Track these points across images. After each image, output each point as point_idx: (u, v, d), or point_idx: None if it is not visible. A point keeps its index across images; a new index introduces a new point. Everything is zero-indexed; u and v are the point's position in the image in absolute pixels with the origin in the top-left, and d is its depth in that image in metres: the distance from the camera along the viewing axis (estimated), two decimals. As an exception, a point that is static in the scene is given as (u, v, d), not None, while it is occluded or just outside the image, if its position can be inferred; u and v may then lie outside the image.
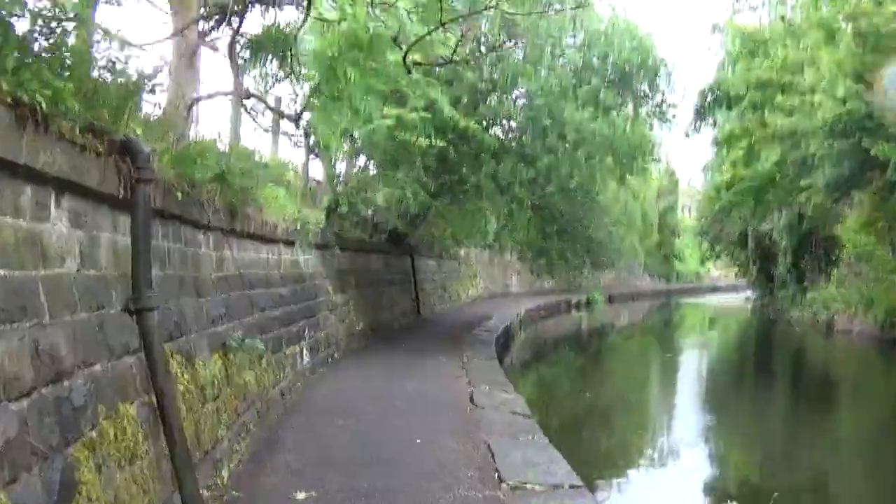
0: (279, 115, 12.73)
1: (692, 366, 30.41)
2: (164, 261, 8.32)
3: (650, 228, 75.13)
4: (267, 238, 14.02)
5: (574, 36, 24.43)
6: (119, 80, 6.91)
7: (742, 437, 17.73)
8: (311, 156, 20.57)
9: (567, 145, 22.25)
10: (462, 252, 42.32)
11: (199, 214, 9.74)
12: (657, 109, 25.95)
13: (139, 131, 7.51)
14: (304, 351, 15.74)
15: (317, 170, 22.26)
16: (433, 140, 18.65)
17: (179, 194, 8.51)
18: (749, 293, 60.58)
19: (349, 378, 16.07)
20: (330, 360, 17.94)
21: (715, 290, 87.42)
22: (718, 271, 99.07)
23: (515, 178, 21.63)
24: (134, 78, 7.33)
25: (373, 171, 22.52)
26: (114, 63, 6.86)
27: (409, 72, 13.21)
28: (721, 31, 30.19)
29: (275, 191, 14.59)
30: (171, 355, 7.88)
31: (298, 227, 14.38)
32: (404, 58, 12.13)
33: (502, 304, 42.02)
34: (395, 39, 11.37)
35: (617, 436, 17.57)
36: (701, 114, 29.61)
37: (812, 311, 39.16)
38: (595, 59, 23.89)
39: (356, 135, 18.47)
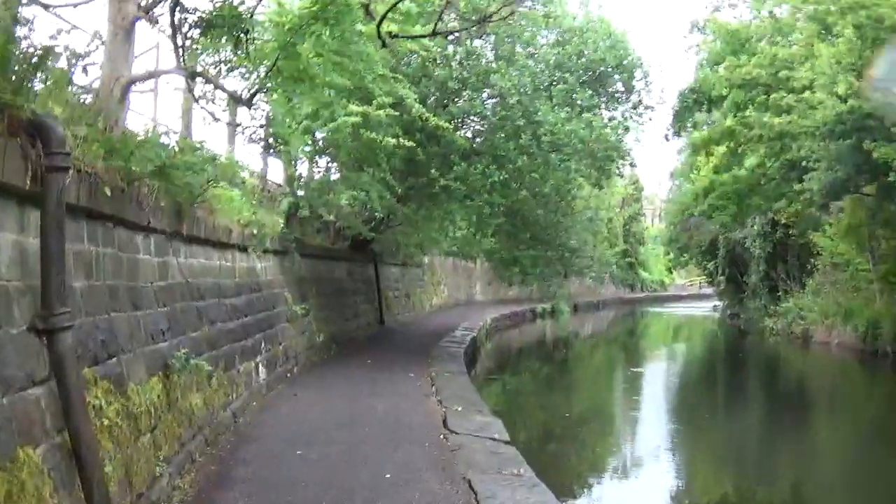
0: (232, 98, 11.33)
1: (665, 380, 29.28)
2: (91, 268, 7.01)
3: (615, 237, 74.39)
4: (219, 243, 12.69)
5: (547, 33, 23.27)
6: (24, 43, 5.56)
7: (727, 458, 16.59)
8: (270, 153, 19.23)
9: (542, 147, 21.07)
10: (426, 259, 41.03)
11: (136, 214, 8.43)
12: (633, 111, 24.84)
13: (58, 111, 6.20)
14: (261, 367, 14.40)
15: (276, 171, 20.95)
16: (401, 140, 17.38)
17: (109, 190, 7.17)
18: (716, 303, 59.86)
19: (311, 396, 14.72)
20: (289, 375, 16.60)
21: (679, 299, 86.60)
22: (682, 280, 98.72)
23: (487, 180, 20.42)
24: (50, 44, 6.00)
25: (335, 174, 21.16)
26: (17, 21, 5.50)
27: (384, 44, 11.87)
28: (701, 30, 29.11)
29: (228, 192, 13.25)
30: (96, 382, 6.57)
31: (255, 232, 12.97)
32: (378, 27, 10.79)
33: (467, 313, 40.73)
34: (366, 8, 10.05)
35: (602, 462, 16.32)
36: (681, 115, 28.50)
37: (786, 321, 38.13)
38: (569, 58, 22.75)
39: (318, 134, 17.18)
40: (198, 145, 10.83)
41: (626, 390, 25.74)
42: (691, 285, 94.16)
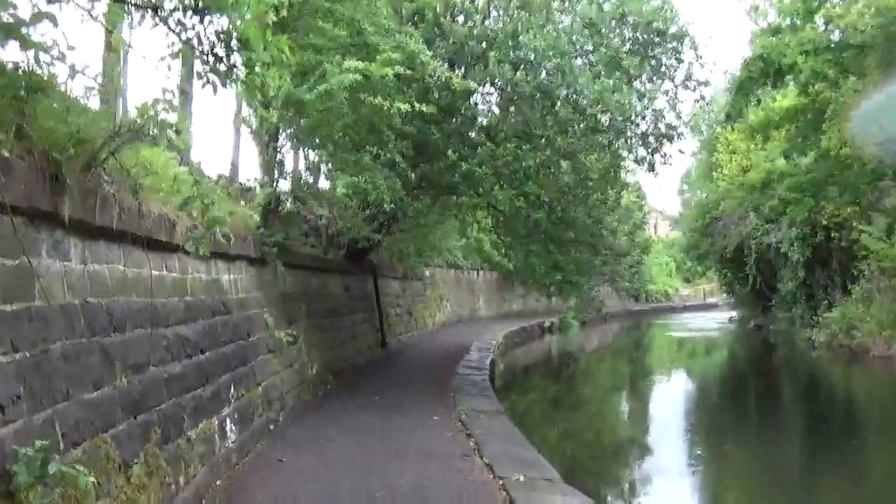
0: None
1: (712, 403, 24.56)
2: None
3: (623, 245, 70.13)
4: (154, 242, 8.20)
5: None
6: None
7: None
8: (229, 82, 14.80)
9: (585, 122, 16.70)
10: (427, 272, 36.62)
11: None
12: (683, 86, 20.28)
13: None
14: (229, 424, 9.88)
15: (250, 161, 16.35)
16: (416, 106, 12.97)
17: None
18: (733, 313, 55.63)
19: (303, 463, 10.23)
20: (272, 427, 12.10)
21: (685, 309, 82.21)
22: (687, 290, 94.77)
23: (520, 164, 16.00)
24: None
25: (324, 164, 16.64)
26: None
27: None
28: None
29: (169, 164, 8.81)
30: None
31: (203, 221, 8.33)
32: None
33: (475, 330, 36.28)
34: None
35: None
36: (744, 88, 24.01)
37: (830, 332, 33.64)
38: (611, 19, 18.28)
39: (307, 96, 12.73)
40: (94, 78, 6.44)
41: (683, 424, 21.02)
42: (695, 296, 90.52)
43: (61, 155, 5.89)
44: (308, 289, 17.46)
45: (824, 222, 34.67)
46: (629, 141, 18.35)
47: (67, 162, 6.01)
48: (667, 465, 15.00)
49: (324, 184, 17.09)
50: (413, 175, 15.66)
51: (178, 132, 6.71)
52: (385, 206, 13.63)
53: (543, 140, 16.81)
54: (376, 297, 25.32)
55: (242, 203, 13.55)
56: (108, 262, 7.07)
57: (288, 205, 13.76)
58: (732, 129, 44.85)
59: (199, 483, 8.22)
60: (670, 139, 19.01)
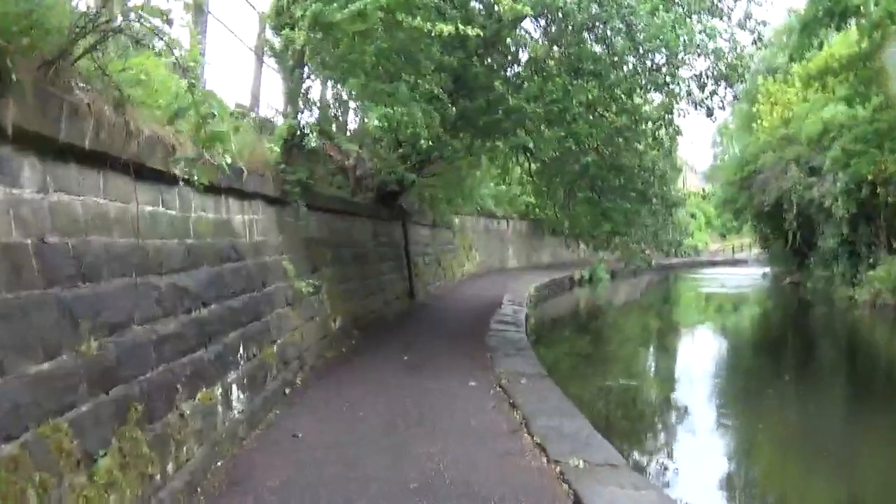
0: None
1: (752, 363, 22.38)
2: None
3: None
4: (147, 170, 6.67)
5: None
6: None
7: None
8: (264, 51, 13.17)
9: (643, 57, 14.98)
10: (456, 220, 34.99)
11: None
12: (742, 27, 18.29)
13: None
14: (235, 391, 8.37)
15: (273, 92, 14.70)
16: (460, 28, 11.30)
17: None
18: (766, 269, 53.95)
19: (321, 437, 8.73)
20: (288, 391, 10.60)
21: (714, 265, 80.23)
22: (715, 245, 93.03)
23: (571, 101, 14.29)
24: None
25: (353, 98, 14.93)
26: None
27: None
28: None
29: (171, 79, 7.23)
30: None
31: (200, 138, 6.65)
32: None
33: (505, 282, 34.71)
34: None
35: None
36: (809, 29, 22.01)
37: (872, 290, 31.84)
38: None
39: (337, 15, 11.09)
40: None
41: (715, 383, 19.22)
42: (723, 251, 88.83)
43: (8, 42, 4.33)
44: (333, 234, 15.93)
45: (870, 177, 32.80)
46: (686, 81, 16.58)
47: (17, 53, 4.45)
48: (705, 429, 13.44)
49: (353, 120, 15.43)
50: (453, 110, 13.98)
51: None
52: (422, 141, 11.94)
53: (595, 76, 15.08)
54: (405, 244, 23.77)
55: (262, 138, 11.96)
56: (79, 193, 5.53)
57: (313, 140, 12.05)
58: (775, 79, 42.91)
59: (194, 467, 6.72)
60: (730, 82, 17.21)
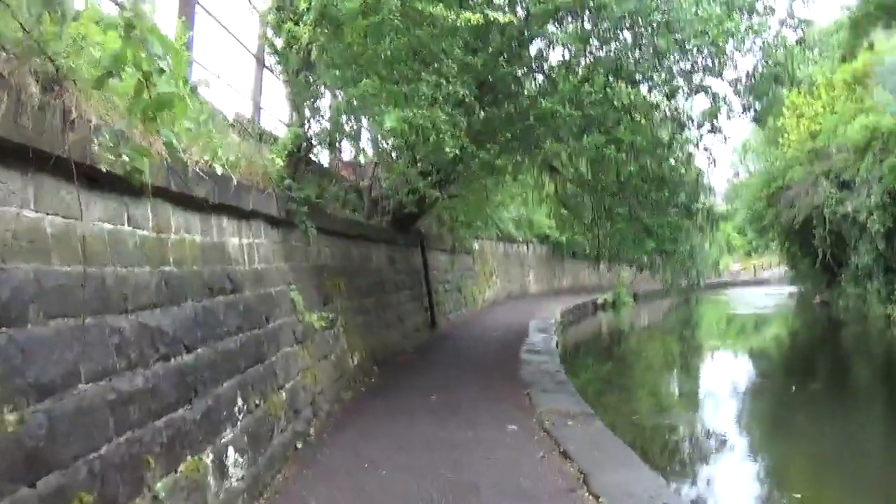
0: None
1: (787, 388, 20.45)
2: None
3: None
4: (102, 175, 5.08)
5: None
6: None
7: None
8: (265, 53, 11.61)
9: (684, 54, 13.43)
10: (476, 245, 33.45)
11: None
12: (785, 22, 16.68)
13: None
14: (231, 454, 6.73)
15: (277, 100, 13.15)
16: (490, 16, 9.75)
17: None
18: (792, 288, 52.51)
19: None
20: (300, 445, 8.95)
21: (736, 285, 78.41)
22: (738, 265, 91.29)
23: (609, 105, 12.70)
24: None
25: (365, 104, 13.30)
26: None
27: None
28: None
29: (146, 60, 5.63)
30: None
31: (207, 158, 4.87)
32: None
33: (527, 308, 33.22)
34: None
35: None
36: (861, 28, 20.40)
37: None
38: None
39: (347, 4, 9.55)
40: None
41: (752, 409, 17.47)
42: (745, 270, 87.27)
43: None
44: (347, 260, 14.32)
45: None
46: (734, 83, 15.01)
47: None
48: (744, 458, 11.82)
49: (366, 131, 13.79)
50: (481, 115, 12.39)
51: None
52: (446, 149, 10.29)
53: (636, 77, 13.52)
54: (425, 271, 22.16)
55: (263, 150, 10.37)
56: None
57: (322, 152, 10.48)
58: (800, 91, 41.33)
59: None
60: (780, 81, 15.63)
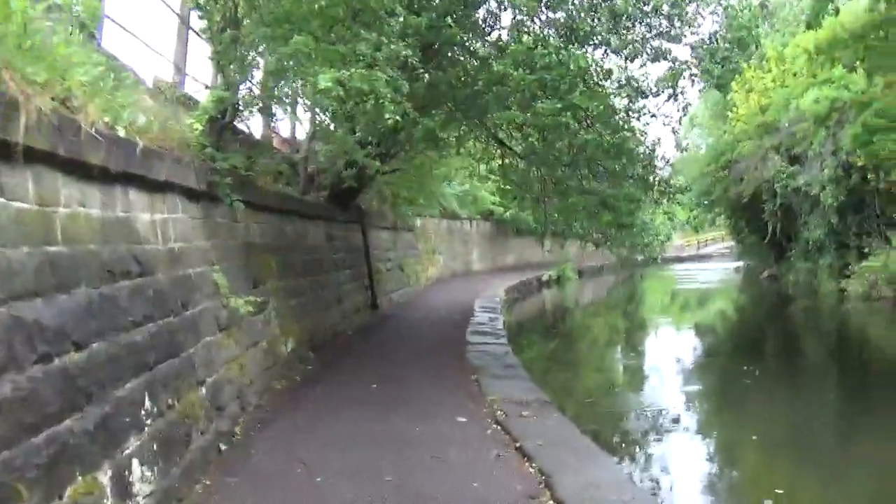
0: None
1: (748, 362, 19.54)
2: None
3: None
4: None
5: None
6: None
7: None
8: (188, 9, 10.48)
9: (643, 16, 12.57)
10: (418, 221, 32.53)
11: None
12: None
13: None
14: (136, 467, 5.70)
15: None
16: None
17: None
18: (738, 263, 53.18)
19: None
20: (223, 448, 7.92)
21: (681, 260, 78.31)
22: (681, 240, 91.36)
23: (565, 68, 11.73)
24: None
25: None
26: None
27: None
28: None
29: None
30: None
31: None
32: None
33: (472, 286, 32.39)
34: None
35: None
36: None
37: (865, 283, 29.64)
38: None
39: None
40: None
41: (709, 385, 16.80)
42: (689, 245, 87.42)
43: None
44: (281, 238, 13.26)
45: (860, 163, 30.66)
46: (697, 46, 14.19)
47: None
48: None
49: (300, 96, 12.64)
50: (426, 79, 11.38)
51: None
52: (387, 115, 9.21)
53: (592, 40, 12.60)
54: (366, 249, 21.14)
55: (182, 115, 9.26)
56: None
57: (254, 123, 9.39)
58: (749, 65, 40.82)
59: None
60: (743, 46, 14.85)
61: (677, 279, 54.83)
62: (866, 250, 31.72)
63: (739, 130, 40.84)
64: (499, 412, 9.83)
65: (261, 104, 9.67)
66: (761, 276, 45.06)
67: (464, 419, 9.52)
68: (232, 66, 9.69)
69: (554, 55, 11.44)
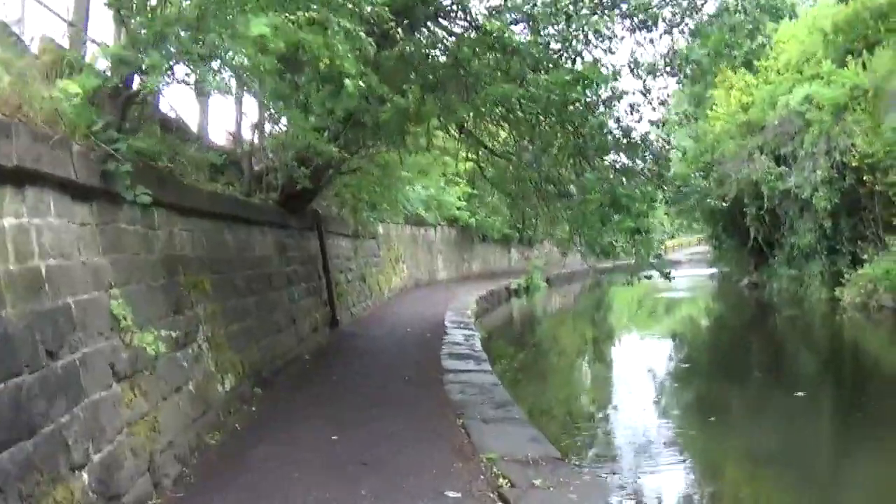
0: None
1: (745, 380, 17.51)
2: None
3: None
4: None
5: None
6: None
7: None
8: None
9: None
10: (380, 228, 30.18)
11: None
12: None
13: None
14: None
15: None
16: None
17: None
18: (713, 270, 51.58)
19: None
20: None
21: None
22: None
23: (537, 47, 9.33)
24: None
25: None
26: None
27: None
28: None
29: None
30: None
31: None
32: None
33: (439, 297, 30.44)
34: None
35: None
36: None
37: (861, 291, 27.71)
38: None
39: None
40: None
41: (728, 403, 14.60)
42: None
43: None
44: (217, 250, 10.71)
45: (854, 163, 28.77)
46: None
47: None
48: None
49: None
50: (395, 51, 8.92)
51: None
52: (347, 83, 6.74)
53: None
54: (323, 259, 18.64)
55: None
56: None
57: (161, 85, 6.86)
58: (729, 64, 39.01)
59: None
60: (753, 36, 12.67)
61: (652, 287, 52.97)
62: (864, 256, 29.81)
63: (720, 130, 39.07)
64: (501, 479, 7.40)
65: (174, 62, 7.03)
66: (740, 283, 43.40)
67: (456, 494, 7.03)
68: (136, 17, 7.12)
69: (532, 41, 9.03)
